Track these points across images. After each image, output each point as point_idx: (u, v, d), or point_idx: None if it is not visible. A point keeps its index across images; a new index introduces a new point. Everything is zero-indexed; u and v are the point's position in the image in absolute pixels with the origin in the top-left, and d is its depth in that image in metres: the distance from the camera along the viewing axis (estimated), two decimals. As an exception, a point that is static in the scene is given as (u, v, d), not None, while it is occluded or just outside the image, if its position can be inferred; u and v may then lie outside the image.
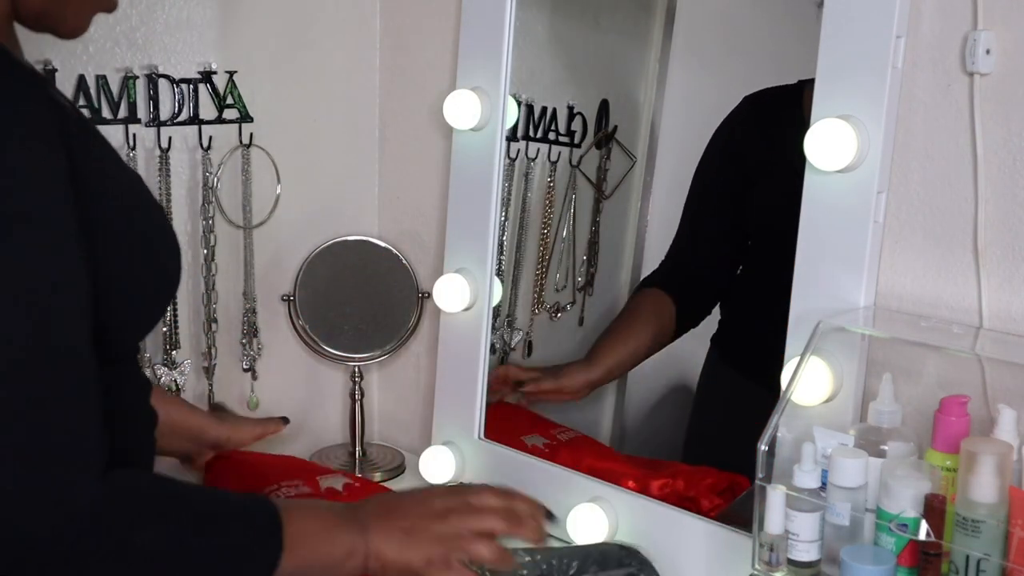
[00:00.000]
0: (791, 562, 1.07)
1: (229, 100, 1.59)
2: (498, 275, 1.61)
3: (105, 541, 0.82)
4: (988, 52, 1.11)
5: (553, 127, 1.70)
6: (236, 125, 1.61)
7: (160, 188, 1.53)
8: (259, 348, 1.69)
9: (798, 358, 1.14)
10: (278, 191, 1.67)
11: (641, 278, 1.73)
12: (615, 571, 1.27)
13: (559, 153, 1.71)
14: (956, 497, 0.98)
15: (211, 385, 1.64)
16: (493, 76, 1.51)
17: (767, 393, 1.23)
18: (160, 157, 1.53)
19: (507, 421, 1.61)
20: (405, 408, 1.80)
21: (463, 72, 1.55)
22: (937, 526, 0.98)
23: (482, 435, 1.57)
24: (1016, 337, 1.13)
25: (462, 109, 1.52)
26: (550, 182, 1.71)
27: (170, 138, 1.54)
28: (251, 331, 1.68)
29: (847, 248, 1.18)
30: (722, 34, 1.69)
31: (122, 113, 1.49)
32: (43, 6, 0.91)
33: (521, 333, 1.73)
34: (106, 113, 1.48)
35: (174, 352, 1.58)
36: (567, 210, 1.73)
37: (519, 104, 1.62)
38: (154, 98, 1.52)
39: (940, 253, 1.18)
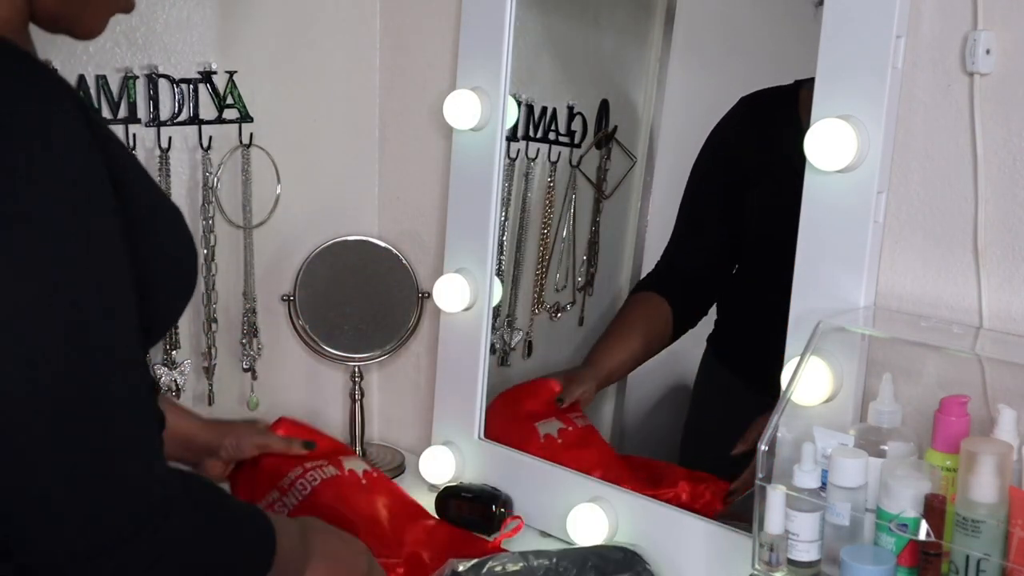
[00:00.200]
0: (791, 562, 1.07)
1: (229, 100, 1.59)
2: (498, 275, 1.61)
3: (181, 528, 0.83)
4: (988, 52, 1.11)
5: (553, 127, 1.70)
6: (236, 125, 1.61)
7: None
8: (259, 348, 1.69)
9: (798, 358, 1.14)
10: (278, 191, 1.67)
11: (641, 278, 1.73)
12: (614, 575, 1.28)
13: (559, 153, 1.71)
14: (956, 497, 0.98)
15: (211, 385, 1.64)
16: (493, 76, 1.52)
17: (763, 393, 1.23)
18: (160, 157, 1.53)
19: (520, 406, 1.61)
20: (405, 408, 1.80)
21: (463, 72, 1.55)
22: (937, 526, 0.98)
23: (482, 435, 1.57)
24: (1016, 337, 1.13)
25: (462, 109, 1.52)
26: (550, 182, 1.71)
27: (170, 138, 1.54)
28: (251, 331, 1.68)
29: (847, 248, 1.18)
30: (722, 34, 1.69)
31: (122, 113, 1.49)
32: (59, 8, 0.91)
33: (521, 333, 1.73)
34: (106, 113, 1.48)
35: (174, 352, 1.58)
36: (567, 210, 1.73)
37: (519, 104, 1.62)
38: (154, 98, 1.52)
39: (940, 253, 1.18)
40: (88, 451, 0.77)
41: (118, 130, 1.48)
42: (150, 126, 1.52)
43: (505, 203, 1.63)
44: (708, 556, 1.31)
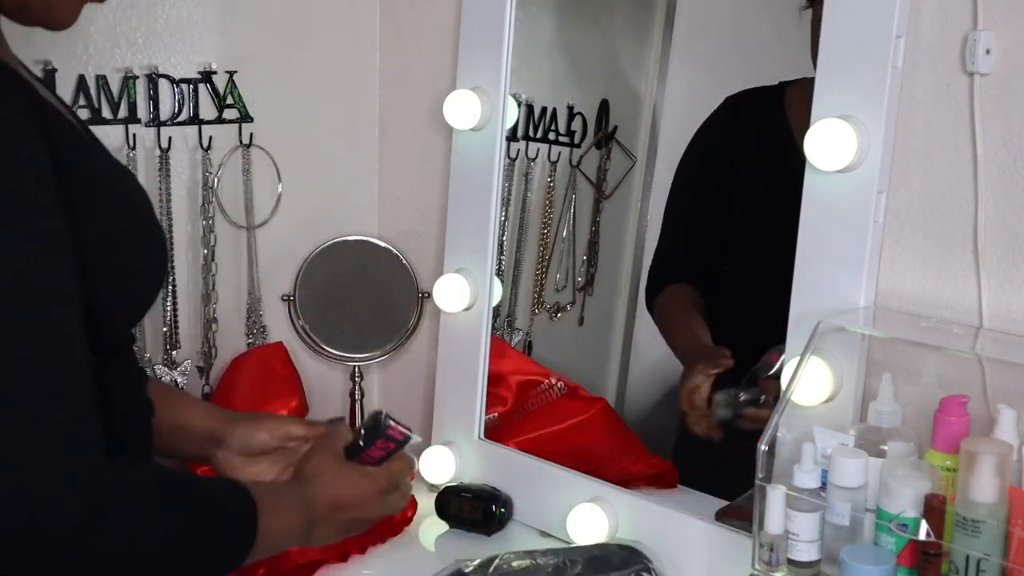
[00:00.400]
0: (791, 562, 1.07)
1: (229, 100, 1.59)
2: (498, 275, 1.61)
3: (112, 519, 0.82)
4: (988, 52, 1.11)
5: (553, 127, 1.70)
6: (236, 125, 1.61)
7: (160, 188, 1.53)
8: (259, 348, 1.69)
9: (798, 358, 1.14)
10: (278, 191, 1.67)
11: (641, 278, 1.72)
12: (618, 572, 1.28)
13: (559, 153, 1.71)
14: (956, 497, 0.98)
15: (211, 385, 1.64)
16: (493, 76, 1.51)
17: None
18: (160, 157, 1.53)
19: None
20: (405, 408, 1.80)
21: (463, 72, 1.55)
22: (937, 526, 0.98)
23: (482, 435, 1.57)
24: (1016, 337, 1.13)
25: (462, 109, 1.52)
26: (550, 182, 1.71)
27: (170, 138, 1.54)
28: (251, 331, 1.68)
29: (847, 248, 1.18)
30: (722, 34, 1.69)
31: (122, 113, 1.49)
32: None
33: (521, 333, 1.73)
34: (106, 113, 1.48)
35: (174, 352, 1.58)
36: (567, 210, 1.73)
37: (519, 104, 1.62)
38: (154, 98, 1.52)
39: (940, 253, 1.18)
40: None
41: (118, 130, 1.49)
42: (150, 126, 1.52)
43: (505, 203, 1.63)
44: (708, 556, 1.31)
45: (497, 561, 1.29)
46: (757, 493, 1.08)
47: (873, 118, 1.15)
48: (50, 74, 1.41)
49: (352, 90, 1.75)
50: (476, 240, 1.56)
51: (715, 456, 1.46)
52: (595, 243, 1.75)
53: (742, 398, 1.41)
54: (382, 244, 1.73)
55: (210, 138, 1.58)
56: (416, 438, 1.14)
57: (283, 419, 1.28)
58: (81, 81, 1.44)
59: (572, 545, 1.39)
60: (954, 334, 1.14)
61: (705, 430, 1.48)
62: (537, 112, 1.68)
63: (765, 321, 1.22)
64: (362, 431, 1.13)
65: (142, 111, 1.51)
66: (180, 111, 1.55)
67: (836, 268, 1.19)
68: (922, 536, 0.99)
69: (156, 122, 1.53)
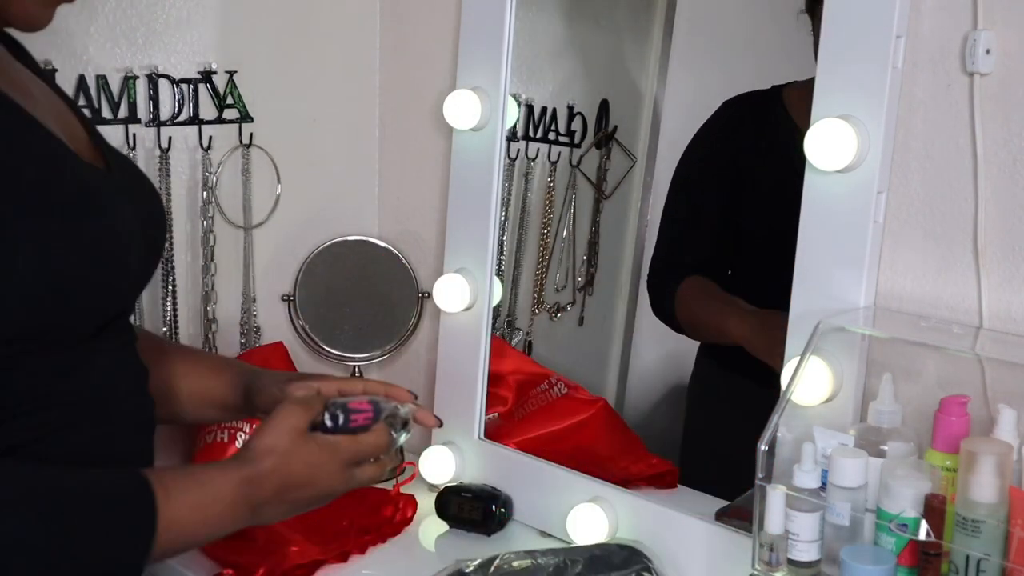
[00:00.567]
0: (791, 562, 1.07)
1: (229, 100, 1.59)
2: (498, 275, 1.61)
3: None
4: (988, 52, 1.11)
5: (553, 127, 1.70)
6: (236, 125, 1.61)
7: (160, 188, 1.53)
8: (259, 348, 1.69)
9: (798, 358, 1.14)
10: (278, 191, 1.67)
11: (641, 278, 1.72)
12: (618, 572, 1.28)
13: (559, 153, 1.71)
14: (956, 497, 0.98)
15: (211, 385, 1.64)
16: (493, 76, 1.52)
17: (755, 387, 1.23)
18: (160, 157, 1.53)
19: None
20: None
21: (463, 72, 1.55)
22: (937, 526, 0.98)
23: (482, 435, 1.57)
24: (1016, 337, 1.13)
25: (462, 109, 1.52)
26: (550, 182, 1.71)
27: (170, 138, 1.54)
28: (251, 331, 1.68)
29: (847, 248, 1.18)
30: (722, 34, 1.69)
31: (122, 113, 1.49)
32: None
33: (521, 333, 1.73)
34: (106, 113, 1.48)
35: (174, 352, 1.58)
36: (567, 210, 1.73)
37: (519, 104, 1.62)
38: (154, 98, 1.52)
39: (940, 253, 1.18)
40: None
41: (118, 130, 1.48)
42: (150, 126, 1.52)
43: (505, 203, 1.63)
44: (708, 556, 1.31)
45: (497, 561, 1.29)
46: (757, 493, 1.08)
47: (873, 118, 1.15)
48: (50, 74, 1.41)
49: (352, 90, 1.75)
50: (476, 240, 1.56)
51: (721, 457, 1.46)
52: (595, 243, 1.75)
53: None
54: (382, 244, 1.73)
55: (210, 138, 1.58)
56: (387, 408, 1.08)
57: (310, 377, 1.21)
58: (81, 81, 1.44)
59: (572, 545, 1.39)
60: (954, 334, 1.14)
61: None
62: (537, 112, 1.68)
63: None
64: (327, 423, 1.05)
65: (142, 111, 1.51)
66: (180, 111, 1.55)
67: (836, 268, 1.19)
68: (922, 536, 0.99)
69: (156, 122, 1.53)
